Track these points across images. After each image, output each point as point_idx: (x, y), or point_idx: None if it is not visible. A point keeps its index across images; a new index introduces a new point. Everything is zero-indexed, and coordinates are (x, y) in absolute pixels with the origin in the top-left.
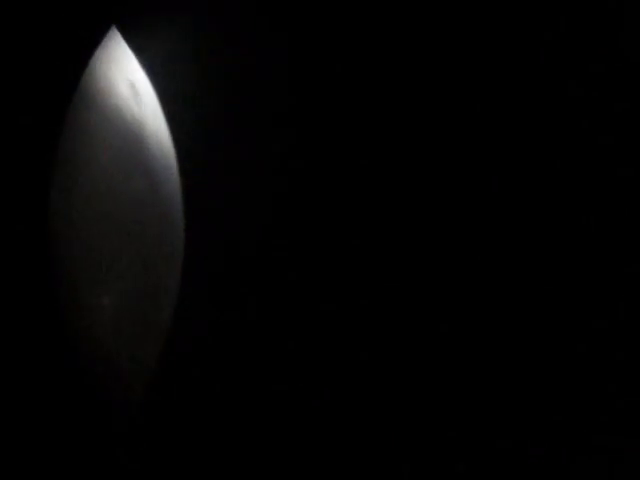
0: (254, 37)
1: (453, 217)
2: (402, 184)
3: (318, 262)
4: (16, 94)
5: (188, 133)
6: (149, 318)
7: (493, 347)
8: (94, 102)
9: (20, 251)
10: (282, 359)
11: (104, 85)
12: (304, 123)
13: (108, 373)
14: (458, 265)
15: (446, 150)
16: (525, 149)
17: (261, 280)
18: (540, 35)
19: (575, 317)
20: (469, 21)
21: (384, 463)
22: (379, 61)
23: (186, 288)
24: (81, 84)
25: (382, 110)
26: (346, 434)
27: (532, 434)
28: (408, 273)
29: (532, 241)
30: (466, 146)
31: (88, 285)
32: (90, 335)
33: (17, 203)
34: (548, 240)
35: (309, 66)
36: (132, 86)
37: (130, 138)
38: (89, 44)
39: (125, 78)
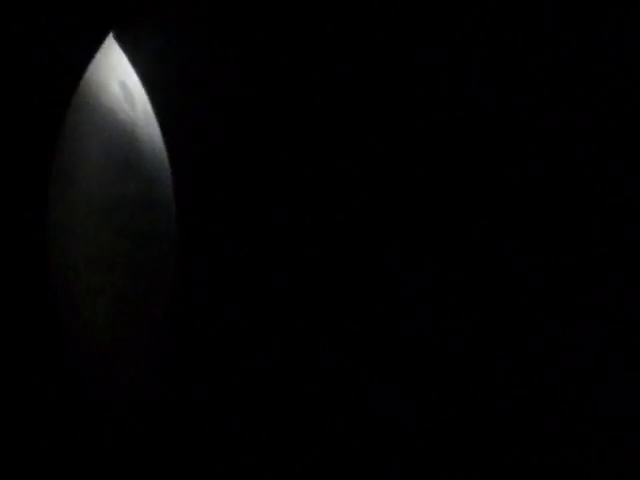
0: (245, 39)
1: (453, 217)
2: (398, 184)
3: (314, 261)
4: (16, 94)
5: (180, 134)
6: (143, 317)
7: (493, 347)
8: (87, 104)
9: (17, 251)
10: (279, 356)
11: (97, 87)
12: (297, 123)
13: (103, 372)
14: (458, 265)
15: (446, 150)
16: (525, 149)
17: (254, 279)
18: (540, 35)
19: (575, 317)
20: (469, 21)
21: (384, 463)
22: (379, 61)
23: (179, 287)
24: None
25: (381, 110)
26: (344, 431)
27: (532, 434)
28: (408, 273)
29: (532, 241)
30: (466, 146)
31: (83, 284)
32: (85, 333)
33: (16, 203)
34: (548, 240)
35: (301, 67)
36: (124, 88)
37: (122, 139)
38: (88, 49)
39: (117, 80)
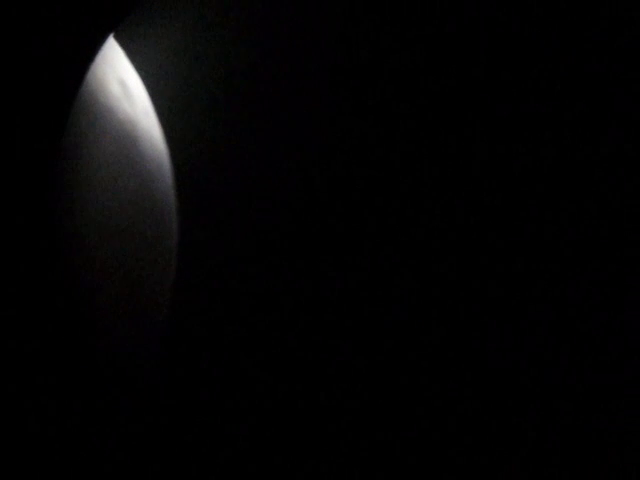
0: (246, 37)
1: (453, 217)
2: (397, 184)
3: (314, 261)
4: (16, 95)
5: (180, 132)
6: (144, 316)
7: (493, 347)
8: (86, 102)
9: (17, 251)
10: (278, 356)
11: (96, 85)
12: (297, 121)
13: (105, 371)
14: (458, 265)
15: (446, 150)
16: (525, 149)
17: (256, 278)
18: (540, 35)
19: (575, 317)
20: (469, 21)
21: (384, 463)
22: (379, 61)
23: (180, 286)
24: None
25: (380, 110)
26: (344, 430)
27: (532, 434)
28: (408, 273)
29: (532, 241)
30: (466, 146)
31: (83, 284)
32: (86, 332)
33: (15, 203)
34: (548, 240)
35: (302, 66)
36: (123, 85)
37: (122, 138)
38: (90, 50)
39: (116, 77)
